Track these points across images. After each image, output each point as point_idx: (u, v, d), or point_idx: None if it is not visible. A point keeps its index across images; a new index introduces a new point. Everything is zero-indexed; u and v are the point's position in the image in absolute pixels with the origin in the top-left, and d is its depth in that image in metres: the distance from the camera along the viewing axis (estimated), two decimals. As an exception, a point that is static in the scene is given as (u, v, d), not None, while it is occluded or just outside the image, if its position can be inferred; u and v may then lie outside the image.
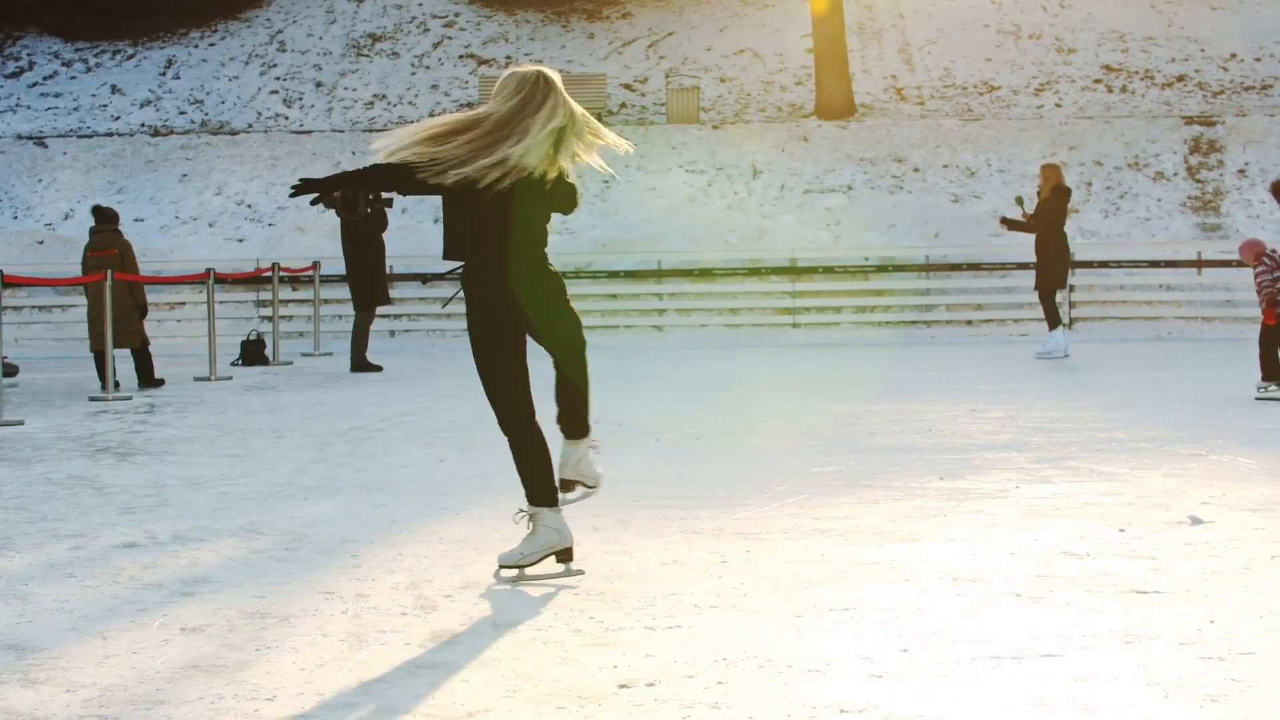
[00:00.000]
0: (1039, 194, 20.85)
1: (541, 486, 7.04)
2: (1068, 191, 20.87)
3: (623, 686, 5.12)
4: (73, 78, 36.88)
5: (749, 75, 35.31)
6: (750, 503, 8.90)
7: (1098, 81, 34.18)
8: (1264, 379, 14.74)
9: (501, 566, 6.97)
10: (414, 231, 27.93)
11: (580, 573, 7.02)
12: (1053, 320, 20.61)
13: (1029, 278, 25.97)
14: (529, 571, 6.97)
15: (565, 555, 7.04)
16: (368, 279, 20.37)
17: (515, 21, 37.63)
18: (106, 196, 29.98)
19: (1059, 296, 21.27)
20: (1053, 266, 20.49)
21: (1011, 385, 16.55)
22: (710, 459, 10.96)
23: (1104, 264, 25.72)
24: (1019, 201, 21.52)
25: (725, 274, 26.46)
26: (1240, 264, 22.15)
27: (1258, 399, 14.53)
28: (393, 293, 22.86)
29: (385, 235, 20.81)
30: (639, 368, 20.05)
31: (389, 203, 20.56)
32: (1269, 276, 14.83)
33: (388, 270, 21.89)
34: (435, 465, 10.85)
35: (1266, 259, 14.91)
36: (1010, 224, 21.06)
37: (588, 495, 7.34)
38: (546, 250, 7.06)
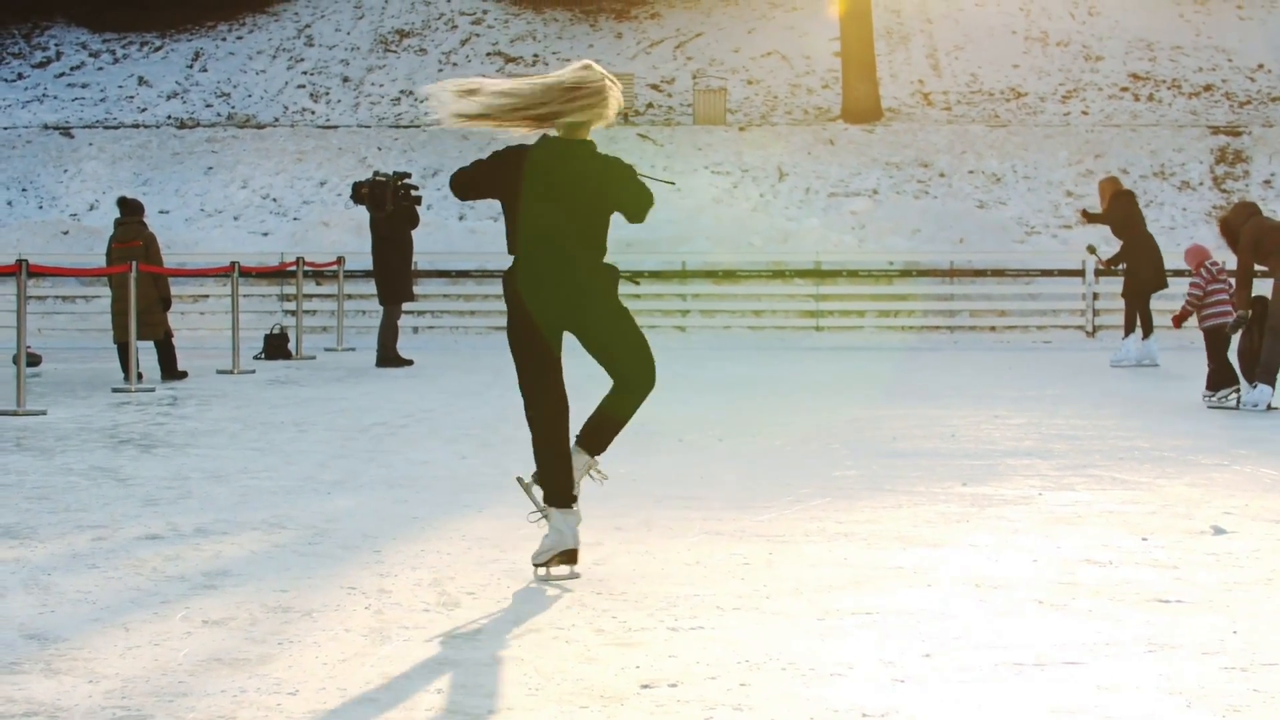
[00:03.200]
0: (1103, 209, 20.64)
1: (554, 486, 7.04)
2: (1128, 194, 20.58)
3: (645, 687, 5.11)
4: (100, 69, 36.99)
5: (776, 77, 35.30)
6: (773, 505, 8.89)
7: (1124, 90, 34.12)
8: (1209, 388, 14.93)
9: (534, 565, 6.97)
10: (440, 228, 27.97)
11: (577, 576, 6.95)
12: (1129, 326, 20.26)
13: (1052, 284, 26.05)
14: (552, 571, 6.95)
15: (568, 557, 6.96)
16: (393, 275, 20.37)
17: (543, 20, 37.66)
18: (132, 188, 30.07)
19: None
20: (1136, 270, 20.10)
21: (1034, 392, 16.52)
22: (733, 461, 10.96)
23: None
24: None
25: (749, 276, 26.46)
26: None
27: (1218, 406, 14.71)
28: (416, 289, 22.86)
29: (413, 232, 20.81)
30: (662, 368, 19.90)
31: (418, 200, 20.54)
32: (1200, 290, 14.96)
33: (413, 267, 21.91)
34: (458, 462, 10.86)
35: (1204, 270, 15.03)
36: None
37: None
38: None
